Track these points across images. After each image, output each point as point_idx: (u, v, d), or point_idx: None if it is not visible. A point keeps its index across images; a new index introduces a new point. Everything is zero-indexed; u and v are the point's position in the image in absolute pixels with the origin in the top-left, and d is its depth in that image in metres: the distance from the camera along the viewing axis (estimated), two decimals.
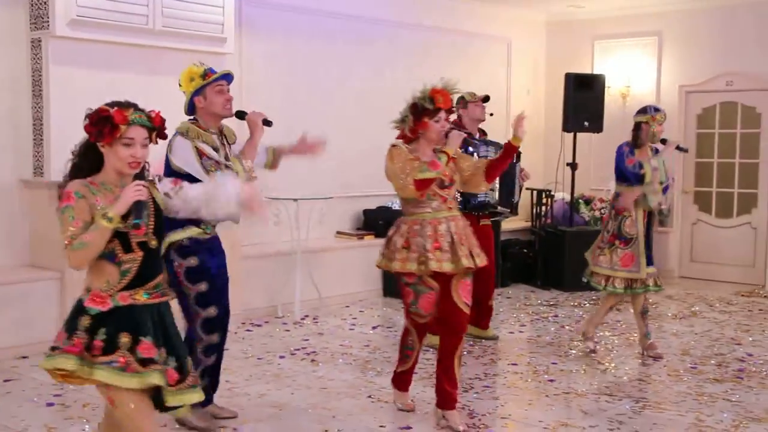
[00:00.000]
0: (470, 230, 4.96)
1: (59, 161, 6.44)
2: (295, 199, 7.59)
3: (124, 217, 3.15)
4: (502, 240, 9.29)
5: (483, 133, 6.97)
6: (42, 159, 6.60)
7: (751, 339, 7.16)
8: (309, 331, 7.23)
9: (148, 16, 6.83)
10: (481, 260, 4.87)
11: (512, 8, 10.49)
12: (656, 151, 6.39)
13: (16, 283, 6.33)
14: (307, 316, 7.76)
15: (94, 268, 3.22)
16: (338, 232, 8.88)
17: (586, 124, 9.41)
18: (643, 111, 6.45)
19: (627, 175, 6.29)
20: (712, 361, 6.37)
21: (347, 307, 8.26)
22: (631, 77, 10.34)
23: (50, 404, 5.19)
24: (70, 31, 6.45)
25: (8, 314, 6.21)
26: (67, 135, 6.54)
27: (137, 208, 3.16)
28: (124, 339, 3.16)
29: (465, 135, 5.03)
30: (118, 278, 3.20)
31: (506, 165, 5.02)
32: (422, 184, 4.70)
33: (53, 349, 3.19)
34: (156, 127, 3.30)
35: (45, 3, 6.40)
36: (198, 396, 3.34)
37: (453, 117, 5.58)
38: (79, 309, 3.21)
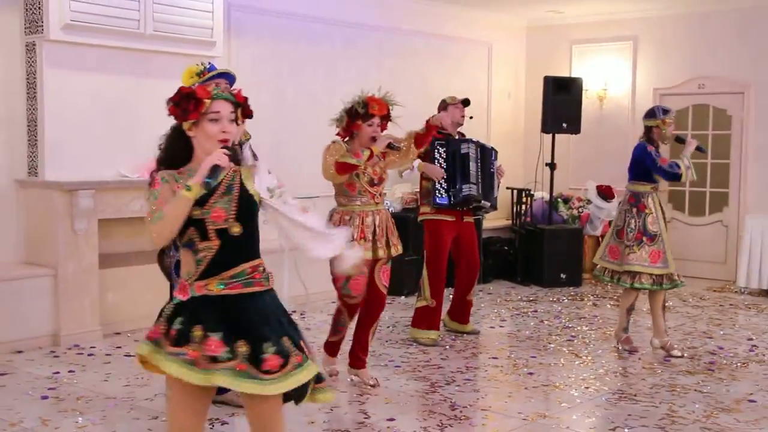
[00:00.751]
0: (391, 223, 5.47)
1: (53, 161, 6.52)
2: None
3: (201, 202, 2.96)
4: (484, 237, 9.33)
5: (461, 135, 6.99)
6: (36, 159, 6.58)
7: (722, 333, 7.22)
8: None
9: (140, 21, 6.82)
10: (396, 250, 5.42)
11: (493, 13, 10.52)
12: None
13: (11, 279, 6.32)
14: (294, 311, 7.76)
15: (183, 258, 3.05)
16: None
17: (564, 125, 9.45)
18: (651, 114, 6.31)
19: (660, 175, 6.23)
20: (685, 354, 6.42)
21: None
22: (608, 80, 10.40)
23: (44, 397, 5.19)
24: (64, 35, 6.44)
25: (3, 310, 6.20)
26: (60, 136, 6.57)
27: (213, 172, 2.93)
28: (197, 332, 2.93)
29: (391, 139, 5.38)
30: (194, 267, 3.00)
31: (428, 138, 5.69)
32: (342, 167, 5.17)
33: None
34: (240, 104, 3.10)
35: (39, 8, 6.38)
36: (308, 374, 3.02)
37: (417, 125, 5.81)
38: (170, 299, 3.10)
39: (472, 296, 7.08)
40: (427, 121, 5.72)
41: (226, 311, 2.99)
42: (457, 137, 6.85)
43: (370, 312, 5.54)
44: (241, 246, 3.05)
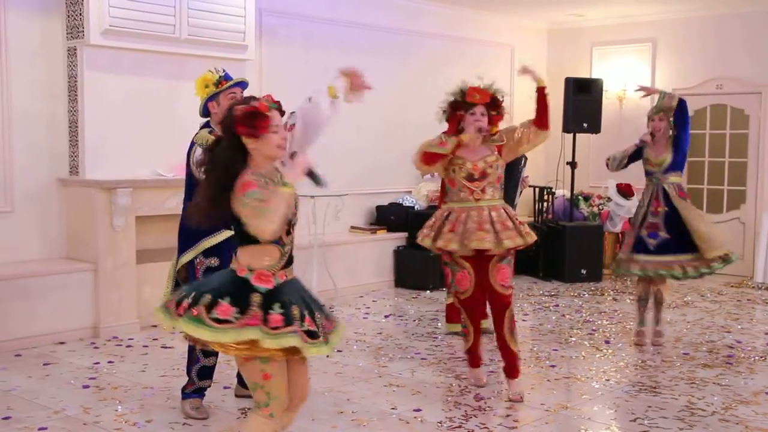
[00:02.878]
0: (506, 217, 5.04)
1: (93, 161, 6.57)
2: (312, 196, 7.60)
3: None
4: None
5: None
6: (77, 159, 6.64)
7: (739, 327, 7.14)
8: None
9: (175, 26, 6.86)
10: (514, 242, 5.00)
11: (516, 17, 10.48)
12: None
13: (54, 274, 6.37)
14: (323, 305, 7.76)
15: (256, 250, 3.17)
16: (352, 227, 8.89)
17: (585, 125, 9.38)
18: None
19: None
20: (704, 348, 6.36)
21: (361, 297, 8.27)
22: (627, 81, 10.29)
23: (86, 386, 5.23)
24: (103, 40, 6.49)
25: (47, 303, 6.26)
26: (100, 136, 6.63)
27: (313, 175, 3.22)
28: (295, 311, 3.18)
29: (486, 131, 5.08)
30: (279, 258, 3.21)
31: (547, 107, 5.07)
32: (426, 157, 4.95)
33: (219, 321, 3.05)
34: (279, 106, 3.26)
35: (80, 14, 6.43)
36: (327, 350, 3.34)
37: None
38: (245, 287, 3.15)
39: None
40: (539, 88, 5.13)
41: (298, 292, 3.29)
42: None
43: (493, 314, 5.10)
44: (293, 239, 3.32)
